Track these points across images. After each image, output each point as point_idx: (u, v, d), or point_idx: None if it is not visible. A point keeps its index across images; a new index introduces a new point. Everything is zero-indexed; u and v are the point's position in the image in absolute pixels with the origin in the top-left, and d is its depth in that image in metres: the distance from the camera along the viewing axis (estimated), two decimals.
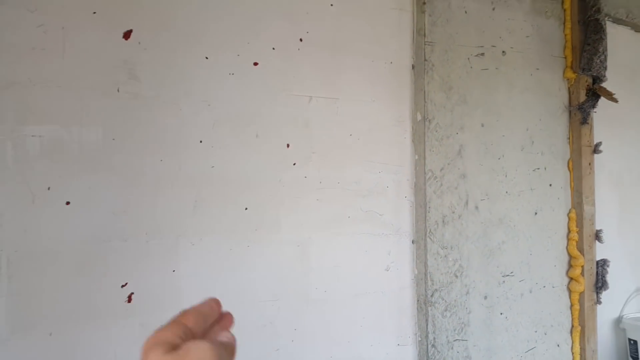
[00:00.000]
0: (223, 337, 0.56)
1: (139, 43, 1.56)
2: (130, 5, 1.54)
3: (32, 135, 1.42)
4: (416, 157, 2.21)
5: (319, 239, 1.93)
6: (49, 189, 1.45)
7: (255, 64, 1.75)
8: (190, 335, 0.52)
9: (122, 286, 1.55)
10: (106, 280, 1.53)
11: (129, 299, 1.56)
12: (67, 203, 1.47)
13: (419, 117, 2.20)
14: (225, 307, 1.74)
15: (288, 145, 1.84)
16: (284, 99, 1.82)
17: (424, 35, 2.17)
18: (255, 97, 1.76)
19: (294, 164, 1.86)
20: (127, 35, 1.54)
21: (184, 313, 0.55)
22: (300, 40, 1.85)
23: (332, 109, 1.95)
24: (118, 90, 1.53)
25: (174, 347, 0.47)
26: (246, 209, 1.77)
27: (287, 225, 1.86)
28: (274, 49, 1.78)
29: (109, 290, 1.53)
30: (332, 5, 1.93)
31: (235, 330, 1.69)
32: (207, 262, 1.70)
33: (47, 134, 1.44)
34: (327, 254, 1.96)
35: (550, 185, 2.69)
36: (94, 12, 1.49)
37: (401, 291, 2.17)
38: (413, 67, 2.19)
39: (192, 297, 1.66)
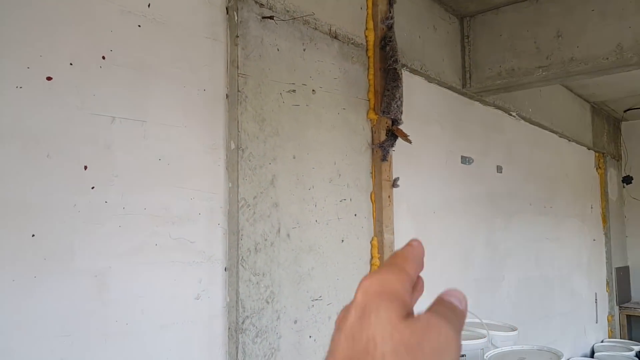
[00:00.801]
0: (453, 299, 0.41)
1: None
2: None
3: None
4: (230, 185, 2.29)
5: (121, 269, 1.87)
6: None
7: (49, 78, 1.67)
8: (411, 291, 0.40)
9: None
10: None
11: None
12: None
13: (233, 146, 2.30)
14: (10, 343, 1.58)
15: (86, 168, 1.77)
16: (82, 118, 1.75)
17: (237, 67, 2.30)
18: (47, 114, 1.66)
19: (92, 188, 1.79)
20: None
21: (403, 257, 0.41)
22: (103, 57, 1.82)
23: (138, 131, 1.93)
24: None
25: (407, 311, 0.36)
26: (33, 235, 1.64)
27: (83, 254, 1.76)
28: (71, 64, 1.72)
29: None
30: (139, 26, 1.94)
31: None
32: None
33: None
34: (129, 284, 1.89)
35: (355, 215, 3.00)
36: None
37: (212, 320, 2.19)
38: (227, 96, 2.29)
39: None
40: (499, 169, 4.92)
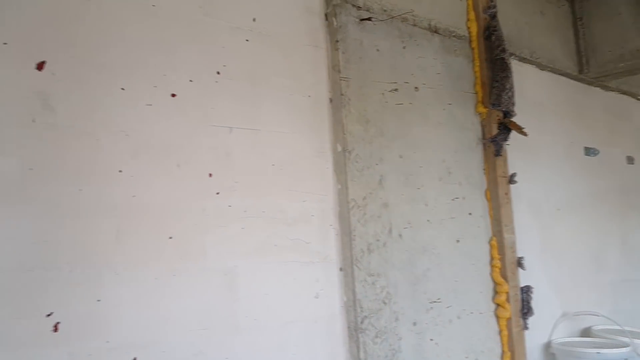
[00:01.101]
0: None
1: (53, 74, 1.67)
2: (43, 38, 1.66)
3: None
4: (339, 187, 2.39)
5: (246, 267, 2.03)
6: None
7: (173, 95, 1.90)
8: None
9: (48, 315, 1.58)
10: (30, 310, 1.55)
11: (55, 328, 1.58)
12: None
13: (339, 148, 2.41)
14: (155, 336, 1.78)
15: (210, 175, 1.97)
16: (204, 130, 1.97)
17: (339, 71, 2.42)
18: (174, 128, 1.89)
19: (217, 193, 1.98)
20: (40, 66, 1.65)
21: None
22: (218, 73, 2.03)
23: (253, 139, 2.11)
24: (34, 121, 1.62)
25: None
26: (170, 237, 1.86)
27: (213, 253, 1.95)
28: (191, 81, 1.95)
29: (34, 319, 1.55)
30: (247, 40, 2.14)
31: (166, 359, 1.74)
32: (132, 292, 1.75)
33: None
34: (255, 282, 2.05)
35: (470, 214, 2.95)
36: (5, 43, 1.60)
37: (331, 318, 2.28)
38: (331, 100, 2.42)
39: (118, 326, 1.71)
40: (630, 159, 4.53)
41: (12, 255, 1.54)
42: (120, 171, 1.76)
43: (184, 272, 1.87)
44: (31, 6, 1.64)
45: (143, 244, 1.80)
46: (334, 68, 2.41)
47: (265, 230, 2.11)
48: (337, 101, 2.41)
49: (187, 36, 1.97)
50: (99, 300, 1.69)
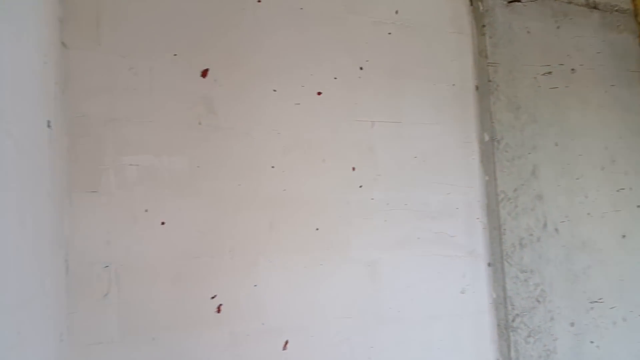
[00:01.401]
0: None
1: (215, 80, 1.86)
2: (206, 47, 1.85)
3: (130, 165, 1.73)
4: (486, 178, 2.32)
5: (389, 260, 2.08)
6: (146, 211, 1.74)
7: (319, 93, 2.00)
8: None
9: (212, 298, 1.79)
10: (197, 292, 1.77)
11: (219, 310, 1.79)
12: (162, 223, 1.75)
13: (487, 138, 2.33)
14: (303, 323, 1.90)
15: (354, 169, 2.04)
16: (348, 125, 2.04)
17: (486, 57, 2.33)
18: (320, 124, 2.00)
19: (360, 186, 2.05)
20: (204, 73, 1.85)
21: None
22: (361, 68, 2.09)
23: (395, 132, 2.14)
24: (200, 123, 1.83)
25: None
26: (317, 229, 1.97)
27: (357, 245, 2.03)
28: (335, 78, 2.03)
29: (200, 301, 1.77)
30: (390, 33, 2.16)
31: (315, 344, 1.86)
32: (285, 279, 1.90)
33: (142, 162, 1.75)
34: (398, 274, 2.09)
35: (639, 206, 2.66)
36: (175, 54, 1.82)
37: (479, 315, 2.23)
38: (477, 88, 2.34)
39: (272, 310, 1.87)
40: None
41: (183, 243, 1.75)
42: (272, 167, 1.91)
43: (329, 262, 1.97)
44: (196, 20, 1.85)
45: (293, 234, 1.93)
46: (481, 54, 2.33)
47: (408, 223, 2.13)
48: (484, 88, 2.32)
49: (332, 35, 2.05)
50: (255, 285, 1.86)
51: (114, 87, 1.71)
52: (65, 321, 1.55)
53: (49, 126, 1.29)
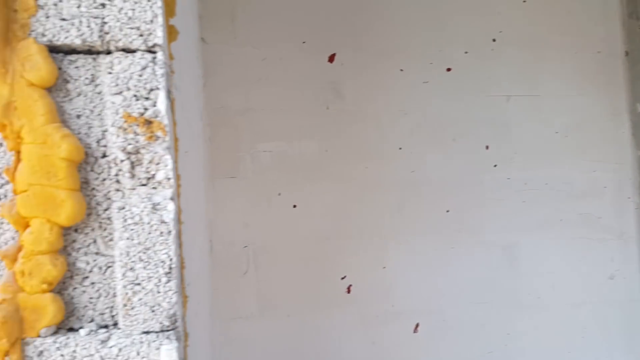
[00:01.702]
0: None
1: (342, 64, 1.88)
2: (332, 32, 1.88)
3: (264, 151, 1.83)
4: (638, 154, 2.10)
5: (527, 243, 1.98)
6: (279, 194, 1.83)
7: (448, 69, 1.94)
8: None
9: (342, 278, 1.85)
10: (328, 272, 1.84)
11: (348, 290, 1.85)
12: (294, 206, 1.83)
13: (639, 109, 2.11)
14: (434, 307, 1.89)
15: (487, 147, 1.96)
16: (480, 101, 1.95)
17: (637, 19, 2.09)
18: (449, 102, 1.93)
19: (495, 166, 1.97)
20: (331, 58, 1.88)
21: None
22: (494, 40, 1.98)
23: (533, 106, 2.01)
24: (327, 108, 1.87)
25: None
26: (447, 211, 1.93)
27: (490, 227, 1.96)
28: (466, 52, 1.95)
29: (331, 281, 1.84)
30: (524, 1, 2.02)
31: (447, 328, 1.85)
32: (413, 262, 1.90)
33: (275, 149, 1.84)
34: (538, 258, 1.98)
35: None
36: (304, 42, 1.87)
37: (630, 303, 2.05)
38: (627, 53, 2.11)
39: (402, 292, 1.88)
40: None
41: (313, 225, 1.82)
42: (400, 148, 1.90)
43: (461, 245, 1.93)
44: (322, 7, 1.87)
45: (422, 216, 1.91)
46: (631, 16, 2.09)
47: (549, 204, 2.00)
48: (636, 54, 2.09)
49: (461, 7, 1.97)
50: (384, 267, 1.88)
51: (248, 78, 1.81)
52: (210, 297, 1.70)
53: (201, 119, 1.40)
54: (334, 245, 1.85)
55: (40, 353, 0.59)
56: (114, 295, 0.63)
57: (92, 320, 0.62)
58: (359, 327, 1.82)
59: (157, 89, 0.62)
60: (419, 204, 1.92)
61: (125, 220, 0.60)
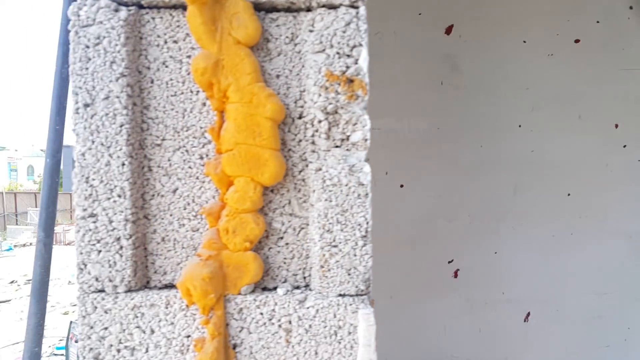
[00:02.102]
0: None
1: (460, 36, 1.82)
2: (449, 2, 1.83)
3: (373, 128, 1.82)
4: None
5: None
6: (386, 173, 1.82)
7: (577, 41, 1.84)
8: None
9: (449, 262, 1.82)
10: (434, 255, 1.81)
11: (455, 275, 1.82)
12: (401, 186, 1.81)
13: None
14: (548, 296, 1.82)
15: (616, 126, 1.85)
16: (610, 75, 1.84)
17: None
18: (576, 76, 1.83)
19: (624, 146, 1.85)
20: (448, 30, 1.83)
21: None
22: (631, 7, 1.85)
23: None
24: (442, 83, 1.82)
25: None
26: (569, 195, 1.85)
27: (615, 214, 1.85)
28: (598, 22, 1.84)
29: (436, 264, 1.81)
30: None
31: (560, 319, 1.78)
32: (528, 247, 1.83)
33: (384, 126, 1.82)
34: None
35: None
36: (419, 14, 1.82)
37: None
38: None
39: (513, 280, 1.83)
40: None
41: (420, 206, 1.79)
42: (519, 126, 1.83)
43: (581, 231, 1.84)
44: None
45: (540, 199, 1.84)
46: None
47: None
48: None
49: None
50: (495, 253, 1.83)
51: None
52: None
53: None
54: (441, 228, 1.82)
55: (240, 310, 0.61)
56: (307, 257, 0.64)
57: (285, 281, 0.64)
58: (465, 313, 1.79)
59: (360, 45, 0.62)
60: (538, 186, 1.85)
61: (324, 182, 0.61)
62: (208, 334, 0.59)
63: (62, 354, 4.63)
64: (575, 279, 1.84)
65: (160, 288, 0.63)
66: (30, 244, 11.18)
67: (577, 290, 1.84)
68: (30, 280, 7.34)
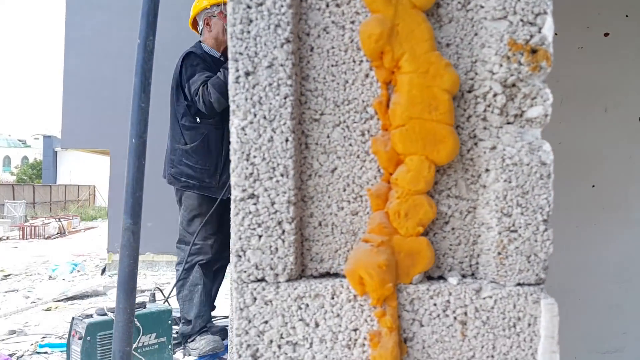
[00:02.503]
0: None
1: None
2: None
3: None
4: None
5: None
6: None
7: (606, 34, 1.83)
8: None
9: None
10: None
11: None
12: None
13: None
14: (570, 285, 1.81)
15: None
16: (637, 70, 1.85)
17: None
18: (604, 69, 1.83)
19: None
20: None
21: None
22: None
23: None
24: None
25: None
26: (593, 186, 1.85)
27: (637, 205, 1.87)
28: (627, 16, 1.83)
29: None
30: None
31: (582, 307, 1.76)
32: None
33: None
34: None
35: None
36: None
37: None
38: None
39: None
40: None
41: None
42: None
43: (604, 222, 1.84)
44: None
45: (565, 190, 1.83)
46: None
47: None
48: None
49: None
50: None
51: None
52: None
53: None
54: None
55: (412, 301, 0.55)
56: (474, 243, 0.58)
57: (450, 269, 0.58)
58: None
59: (545, 12, 0.56)
60: (563, 177, 1.83)
61: (503, 161, 0.55)
62: (385, 327, 0.53)
63: (45, 352, 4.43)
64: (596, 268, 1.84)
65: (315, 277, 0.57)
66: (7, 237, 10.68)
67: (597, 279, 1.85)
68: (7, 275, 7.01)
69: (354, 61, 0.56)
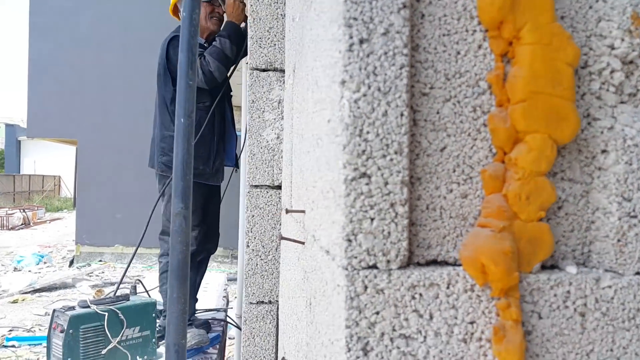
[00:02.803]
0: None
1: None
2: None
3: None
4: None
5: None
6: None
7: None
8: None
9: None
10: None
11: None
12: None
13: None
14: None
15: None
16: None
17: None
18: None
19: None
20: None
21: None
22: None
23: None
24: None
25: None
26: None
27: None
28: None
29: None
30: None
31: None
32: None
33: None
34: None
35: None
36: None
37: None
38: None
39: None
40: None
41: None
42: None
43: None
44: None
45: None
46: None
47: None
48: None
49: None
50: None
51: None
52: None
53: None
54: None
55: (531, 292, 0.50)
56: (587, 229, 0.54)
57: (563, 258, 0.54)
58: None
59: None
60: None
61: (624, 142, 0.51)
62: (509, 320, 0.48)
63: (12, 345, 4.23)
64: None
65: (422, 265, 0.52)
66: None
67: None
68: None
69: (467, 31, 0.51)
